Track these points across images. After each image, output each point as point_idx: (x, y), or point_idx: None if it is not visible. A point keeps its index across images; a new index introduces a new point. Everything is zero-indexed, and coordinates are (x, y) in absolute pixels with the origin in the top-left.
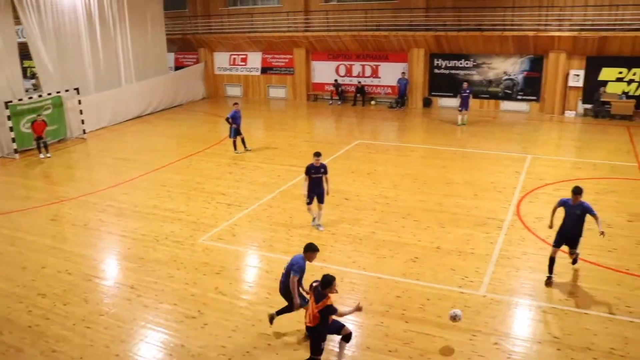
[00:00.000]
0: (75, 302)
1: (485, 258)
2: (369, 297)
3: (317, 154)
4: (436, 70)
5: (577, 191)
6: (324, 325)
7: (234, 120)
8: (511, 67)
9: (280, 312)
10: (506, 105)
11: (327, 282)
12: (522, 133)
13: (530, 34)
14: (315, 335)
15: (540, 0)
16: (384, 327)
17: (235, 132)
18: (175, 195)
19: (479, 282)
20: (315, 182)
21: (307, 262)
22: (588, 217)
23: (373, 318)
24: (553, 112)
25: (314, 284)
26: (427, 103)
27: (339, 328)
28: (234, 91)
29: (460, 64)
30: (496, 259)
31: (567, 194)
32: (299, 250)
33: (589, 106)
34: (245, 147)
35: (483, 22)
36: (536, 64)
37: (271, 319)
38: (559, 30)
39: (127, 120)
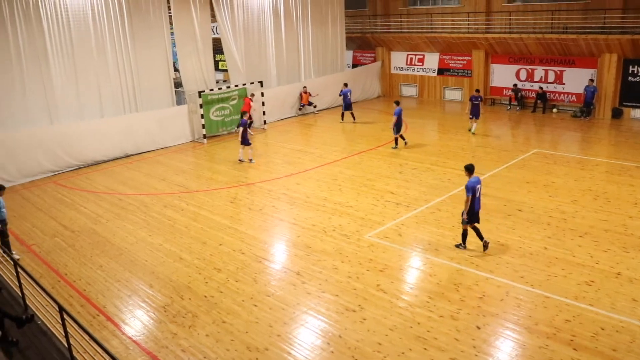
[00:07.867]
0: (245, 281)
1: None
2: (535, 316)
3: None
4: (630, 78)
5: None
6: None
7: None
8: None
9: None
10: None
11: None
12: None
13: None
14: None
15: None
16: (548, 350)
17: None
18: (346, 189)
19: None
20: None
21: None
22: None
23: (538, 339)
24: None
25: None
26: (617, 114)
27: None
28: (410, 91)
29: None
30: None
31: None
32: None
33: None
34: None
35: None
36: None
37: None
38: None
39: (303, 115)
